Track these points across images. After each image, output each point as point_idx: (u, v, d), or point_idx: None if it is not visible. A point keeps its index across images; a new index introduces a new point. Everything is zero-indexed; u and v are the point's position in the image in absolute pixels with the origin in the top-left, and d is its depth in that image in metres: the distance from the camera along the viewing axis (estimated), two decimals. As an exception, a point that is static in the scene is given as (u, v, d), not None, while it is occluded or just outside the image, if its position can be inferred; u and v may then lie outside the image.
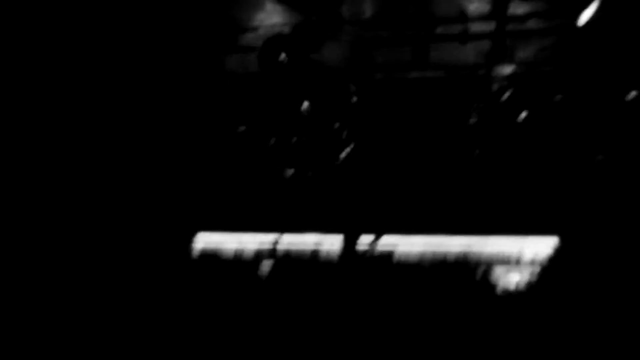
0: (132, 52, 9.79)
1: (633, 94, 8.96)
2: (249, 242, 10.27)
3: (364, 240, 9.33)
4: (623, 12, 9.22)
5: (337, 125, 9.68)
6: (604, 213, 8.91)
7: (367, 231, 9.30)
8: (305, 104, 10.05)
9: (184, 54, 10.13)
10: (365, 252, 9.19)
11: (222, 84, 10.09)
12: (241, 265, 8.26)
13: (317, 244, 10.05)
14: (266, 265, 8.46)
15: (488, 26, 9.59)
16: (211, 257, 9.59)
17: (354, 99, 9.65)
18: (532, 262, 9.18)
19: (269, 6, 9.93)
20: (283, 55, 9.51)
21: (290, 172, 9.80)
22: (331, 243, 10.00)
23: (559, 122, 9.38)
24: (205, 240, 10.25)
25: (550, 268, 8.70)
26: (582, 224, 8.99)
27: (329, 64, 9.08)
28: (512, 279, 8.80)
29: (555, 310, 6.18)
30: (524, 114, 9.42)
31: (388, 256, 8.57)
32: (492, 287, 8.21)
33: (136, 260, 7.73)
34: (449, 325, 3.50)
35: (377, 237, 9.07)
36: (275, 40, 9.53)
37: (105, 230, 8.87)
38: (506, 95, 9.53)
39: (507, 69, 9.62)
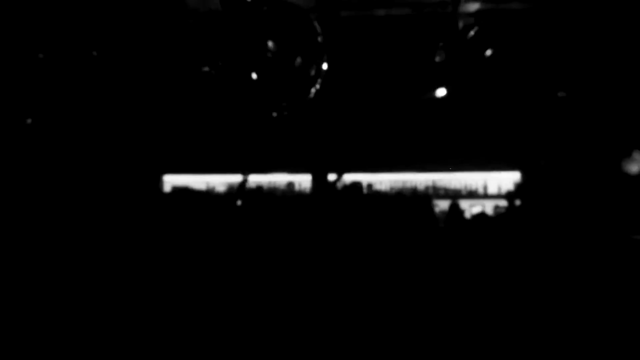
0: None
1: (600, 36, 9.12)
2: (217, 183, 10.30)
3: (333, 178, 9.57)
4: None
5: (303, 64, 9.40)
6: (565, 149, 9.37)
7: (336, 170, 9.50)
8: (270, 43, 9.48)
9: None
10: (334, 189, 9.46)
11: (184, 22, 9.49)
12: (208, 205, 8.46)
13: (286, 183, 10.23)
14: (235, 204, 8.68)
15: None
16: (180, 196, 9.52)
17: (320, 38, 9.28)
18: (496, 195, 9.77)
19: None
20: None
21: (256, 112, 9.54)
22: (300, 182, 10.20)
23: (523, 60, 9.50)
24: (173, 182, 10.19)
25: (513, 200, 9.26)
26: (544, 159, 9.46)
27: (294, 1, 8.69)
28: (476, 211, 9.34)
29: (517, 239, 6.88)
30: (489, 52, 9.46)
31: (358, 192, 8.89)
32: (457, 218, 8.72)
33: (107, 201, 7.82)
34: (414, 254, 4.01)
35: (346, 175, 9.31)
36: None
37: (78, 174, 8.75)
38: (472, 32, 9.48)
39: (473, 6, 9.46)
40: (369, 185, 9.67)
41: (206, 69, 9.60)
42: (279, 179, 10.08)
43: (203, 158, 9.92)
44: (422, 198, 8.33)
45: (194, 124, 10.12)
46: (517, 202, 9.06)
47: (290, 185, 9.83)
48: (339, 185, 9.26)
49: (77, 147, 9.30)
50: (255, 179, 9.77)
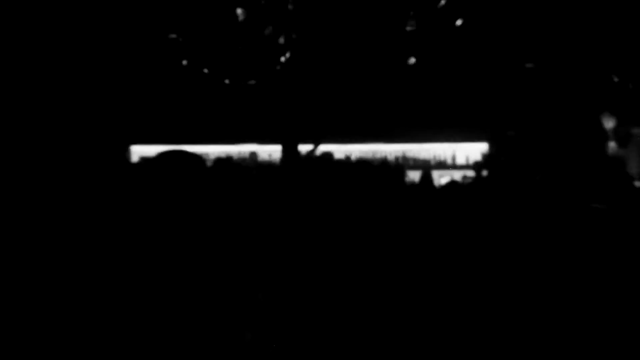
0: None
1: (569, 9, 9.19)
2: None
3: (302, 149, 9.52)
4: None
5: (273, 32, 9.35)
6: (534, 120, 9.45)
7: (306, 140, 9.45)
8: (240, 11, 9.36)
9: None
10: (303, 159, 9.41)
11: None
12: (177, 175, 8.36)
13: (255, 152, 10.15)
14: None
15: None
16: (147, 167, 9.29)
17: (290, 5, 9.23)
18: (464, 166, 9.83)
19: None
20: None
21: (225, 81, 9.47)
22: (270, 152, 10.13)
23: (493, 31, 9.54)
24: (139, 153, 10.02)
25: (480, 171, 9.32)
26: (512, 130, 9.52)
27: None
28: (445, 181, 9.37)
29: (485, 205, 6.96)
30: (459, 22, 9.49)
31: (327, 162, 8.86)
32: (428, 186, 8.74)
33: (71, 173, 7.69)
34: (389, 222, 4.06)
35: (316, 145, 9.27)
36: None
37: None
38: (443, 1, 9.50)
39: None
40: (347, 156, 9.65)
41: (174, 36, 9.47)
42: (246, 149, 10.01)
43: (171, 128, 9.78)
44: (395, 167, 8.32)
45: (162, 94, 9.97)
46: (484, 173, 9.11)
47: (253, 155, 9.73)
48: (313, 155, 9.20)
49: (42, 115, 9.13)
50: (222, 149, 9.65)
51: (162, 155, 2.98)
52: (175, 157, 2.98)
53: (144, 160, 9.27)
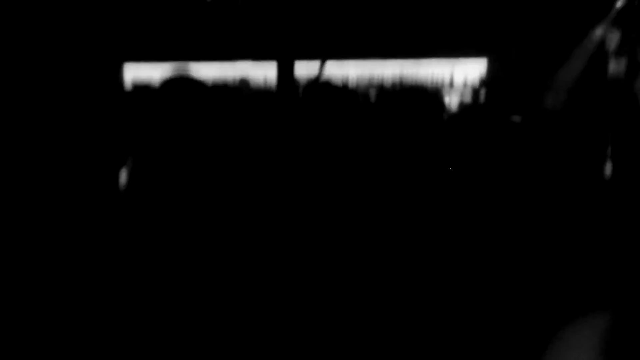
0: None
1: None
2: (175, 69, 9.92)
3: (298, 67, 9.33)
4: None
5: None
6: (532, 34, 9.21)
7: (301, 57, 9.25)
8: None
9: None
10: (300, 79, 9.25)
11: None
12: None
13: (246, 79, 9.92)
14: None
15: None
16: (141, 87, 9.19)
17: None
18: (463, 84, 9.64)
19: None
20: None
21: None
22: (264, 72, 9.92)
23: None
24: (133, 72, 9.82)
25: (480, 89, 9.15)
26: (515, 48, 9.30)
27: None
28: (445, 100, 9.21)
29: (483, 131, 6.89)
30: None
31: (324, 80, 8.72)
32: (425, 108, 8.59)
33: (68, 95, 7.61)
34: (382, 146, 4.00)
35: (322, 65, 9.09)
36: None
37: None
38: None
39: None
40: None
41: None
42: (241, 67, 9.80)
43: (162, 46, 9.58)
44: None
45: (153, 10, 9.76)
46: (483, 93, 8.96)
47: (244, 82, 9.49)
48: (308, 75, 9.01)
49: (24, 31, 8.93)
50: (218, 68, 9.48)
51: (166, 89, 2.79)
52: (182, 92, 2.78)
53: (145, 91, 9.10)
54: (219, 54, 9.63)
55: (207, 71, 9.02)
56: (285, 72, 9.25)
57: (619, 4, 8.27)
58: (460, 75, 9.65)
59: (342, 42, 9.34)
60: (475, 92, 9.16)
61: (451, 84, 9.69)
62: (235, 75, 9.69)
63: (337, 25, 9.38)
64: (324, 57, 9.02)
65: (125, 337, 2.35)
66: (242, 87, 9.29)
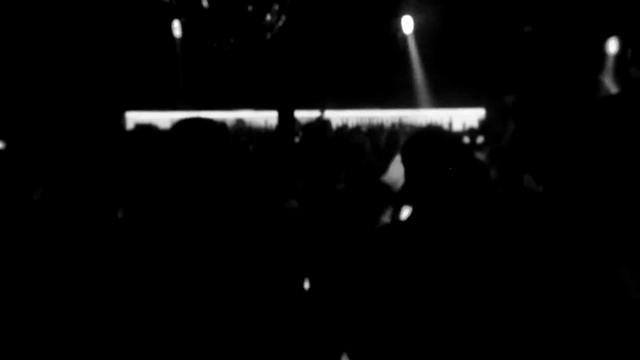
0: None
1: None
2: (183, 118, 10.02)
3: (300, 115, 9.45)
4: None
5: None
6: (531, 85, 9.35)
7: (302, 106, 9.38)
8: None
9: None
10: (301, 125, 9.35)
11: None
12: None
13: (242, 120, 10.03)
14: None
15: None
16: (143, 133, 9.19)
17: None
18: (461, 133, 9.76)
19: None
20: None
21: (221, 45, 9.35)
22: (266, 118, 10.05)
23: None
24: (135, 119, 9.93)
25: (475, 137, 9.26)
26: (509, 97, 9.42)
27: None
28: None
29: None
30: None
31: (324, 127, 8.80)
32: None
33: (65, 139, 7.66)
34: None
35: (322, 113, 9.20)
36: None
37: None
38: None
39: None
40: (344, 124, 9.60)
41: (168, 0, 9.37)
42: (243, 115, 9.91)
43: (166, 94, 9.72)
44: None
45: (158, 59, 9.89)
46: (479, 139, 9.06)
47: (239, 122, 9.53)
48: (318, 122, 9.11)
49: (37, 80, 9.07)
50: (219, 116, 9.58)
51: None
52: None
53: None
54: (222, 103, 9.77)
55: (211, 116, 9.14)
56: (286, 119, 9.37)
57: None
58: (458, 121, 9.82)
59: (342, 92, 9.50)
60: (471, 137, 9.30)
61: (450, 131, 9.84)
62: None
63: (337, 77, 9.54)
64: (324, 106, 9.15)
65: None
66: (239, 127, 9.37)
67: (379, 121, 9.75)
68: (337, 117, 9.51)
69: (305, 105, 9.37)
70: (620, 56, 8.88)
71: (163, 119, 9.96)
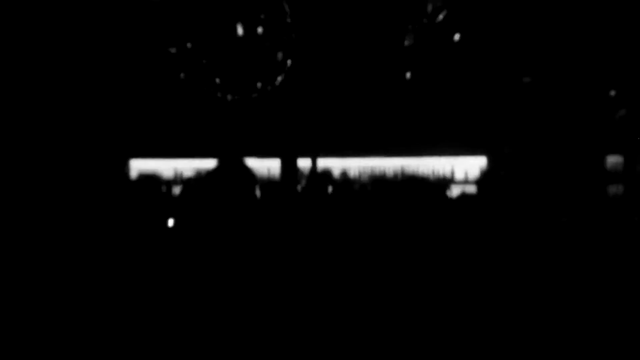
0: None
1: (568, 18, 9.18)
2: (185, 168, 10.15)
3: (302, 164, 9.52)
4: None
5: (271, 48, 9.34)
6: (530, 134, 9.43)
7: (305, 154, 9.46)
8: (240, 26, 9.41)
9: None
10: (303, 174, 9.41)
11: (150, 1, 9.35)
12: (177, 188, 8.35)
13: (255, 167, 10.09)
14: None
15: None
16: (147, 181, 9.29)
17: (289, 19, 9.24)
18: (463, 181, 9.81)
19: None
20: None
21: (224, 97, 9.45)
22: (268, 167, 10.11)
23: (490, 45, 9.55)
24: (139, 167, 10.01)
25: (482, 186, 9.27)
26: (508, 146, 9.50)
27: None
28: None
29: (484, 222, 6.92)
30: (457, 36, 9.49)
31: (327, 176, 8.81)
32: (426, 202, 8.68)
33: (68, 188, 7.69)
34: (384, 236, 4.00)
35: (315, 160, 9.27)
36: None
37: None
38: (441, 16, 9.49)
39: (442, -10, 9.47)
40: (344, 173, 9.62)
41: (173, 50, 9.49)
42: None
43: (169, 142, 9.79)
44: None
45: (161, 107, 9.98)
46: (484, 188, 9.07)
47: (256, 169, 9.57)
48: (310, 171, 9.18)
49: (40, 128, 9.14)
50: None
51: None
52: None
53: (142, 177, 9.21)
54: (223, 151, 9.82)
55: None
56: (288, 166, 9.44)
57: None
58: (460, 170, 9.86)
59: (343, 140, 9.57)
60: (478, 185, 9.33)
61: (452, 179, 9.89)
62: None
63: (339, 125, 9.62)
64: (325, 153, 9.22)
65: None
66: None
67: (381, 170, 9.80)
68: (338, 165, 9.57)
69: (306, 152, 9.45)
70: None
71: (166, 167, 10.05)
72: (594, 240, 4.12)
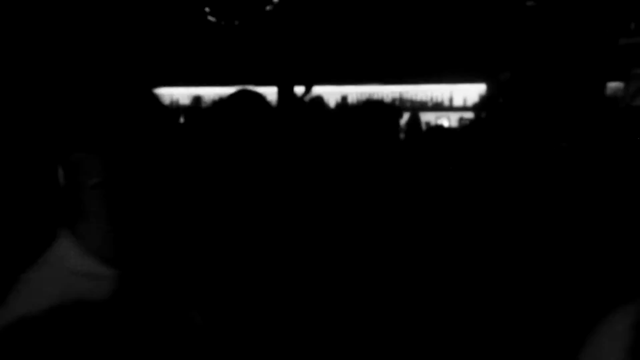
0: None
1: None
2: (181, 95, 10.05)
3: (298, 91, 9.40)
4: None
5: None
6: (531, 59, 9.30)
7: (301, 82, 9.32)
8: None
9: None
10: (299, 102, 9.31)
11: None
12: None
13: (199, 97, 9.92)
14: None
15: None
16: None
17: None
18: (461, 108, 9.72)
19: None
20: None
21: (217, 21, 9.30)
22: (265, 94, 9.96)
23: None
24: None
25: (479, 113, 9.21)
26: (507, 71, 9.38)
27: None
28: (442, 123, 9.26)
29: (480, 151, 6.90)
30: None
31: (322, 103, 8.76)
32: (416, 130, 8.63)
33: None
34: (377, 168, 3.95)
35: (310, 88, 9.16)
36: None
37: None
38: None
39: None
40: (343, 98, 9.53)
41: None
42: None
43: (165, 70, 9.66)
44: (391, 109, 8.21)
45: (156, 34, 9.84)
46: (483, 115, 8.99)
47: (197, 99, 9.37)
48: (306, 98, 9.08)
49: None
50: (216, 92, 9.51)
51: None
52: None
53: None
54: (221, 79, 9.71)
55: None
56: (285, 95, 9.32)
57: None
58: (459, 96, 9.76)
59: (342, 67, 9.45)
60: (475, 112, 9.24)
61: (450, 106, 9.80)
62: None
63: (338, 51, 9.49)
64: (322, 81, 9.10)
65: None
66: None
67: (379, 97, 9.68)
68: (335, 92, 9.47)
69: (303, 80, 9.33)
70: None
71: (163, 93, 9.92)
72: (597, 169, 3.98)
